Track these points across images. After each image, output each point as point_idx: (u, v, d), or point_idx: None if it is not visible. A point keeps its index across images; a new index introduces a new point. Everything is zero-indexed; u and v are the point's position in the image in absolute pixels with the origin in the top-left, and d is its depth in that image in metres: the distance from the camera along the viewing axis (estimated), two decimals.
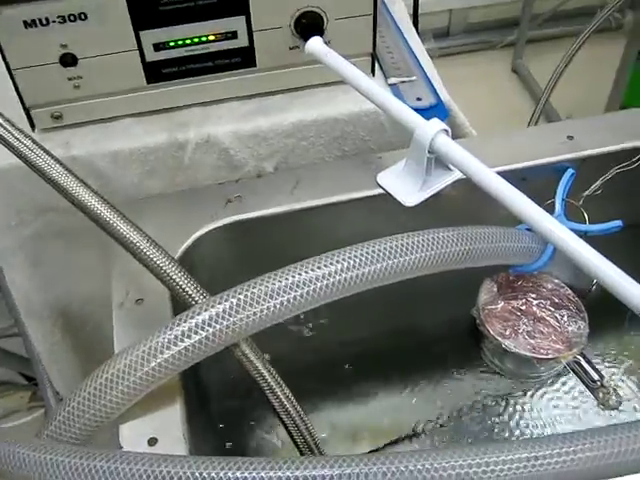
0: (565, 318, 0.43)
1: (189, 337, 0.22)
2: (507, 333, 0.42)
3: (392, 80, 0.38)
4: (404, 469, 0.18)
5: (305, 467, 0.18)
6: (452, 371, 0.44)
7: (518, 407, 0.42)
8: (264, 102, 0.35)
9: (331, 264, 0.24)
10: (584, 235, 0.31)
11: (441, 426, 0.42)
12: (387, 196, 0.35)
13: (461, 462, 0.19)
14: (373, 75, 0.37)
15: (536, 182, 0.37)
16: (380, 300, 0.34)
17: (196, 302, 0.24)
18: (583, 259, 0.27)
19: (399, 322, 0.44)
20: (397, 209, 0.34)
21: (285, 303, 0.23)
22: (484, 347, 0.44)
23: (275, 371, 0.27)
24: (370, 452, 0.37)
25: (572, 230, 0.27)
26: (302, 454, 0.28)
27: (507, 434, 0.43)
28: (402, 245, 0.26)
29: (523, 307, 0.44)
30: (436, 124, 0.31)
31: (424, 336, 0.44)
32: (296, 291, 0.23)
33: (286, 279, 0.23)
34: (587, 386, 0.41)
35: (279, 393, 0.26)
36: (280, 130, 0.35)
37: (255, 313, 0.23)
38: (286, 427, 0.27)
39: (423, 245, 0.27)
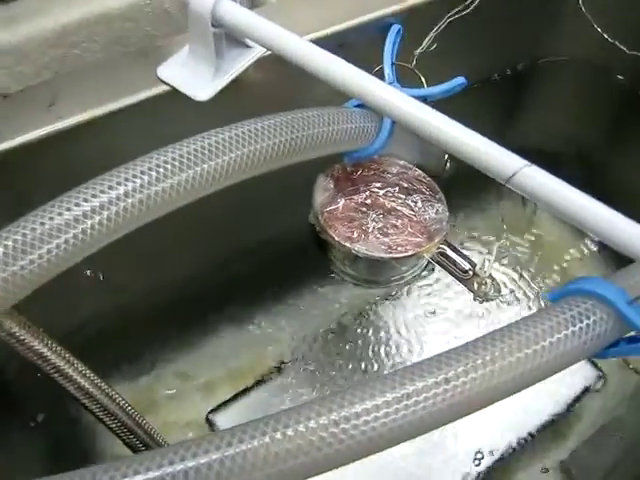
0: (419, 204, 0.46)
1: None
2: (355, 236, 0.44)
3: None
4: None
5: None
6: (304, 291, 0.49)
7: (388, 314, 0.49)
8: (14, 8, 0.33)
9: (133, 179, 0.24)
10: (425, 101, 0.32)
11: (304, 356, 0.45)
12: (175, 93, 0.35)
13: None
14: None
15: (357, 47, 0.39)
16: (206, 224, 0.39)
17: None
18: (431, 129, 0.30)
19: (233, 247, 0.48)
20: (191, 108, 0.35)
21: (73, 241, 0.23)
22: (332, 257, 0.46)
23: (62, 348, 0.28)
24: (229, 399, 0.41)
25: (411, 97, 0.29)
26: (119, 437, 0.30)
27: (382, 349, 0.47)
28: (215, 144, 0.27)
29: (368, 201, 0.46)
30: None
31: (264, 258, 0.49)
32: (85, 223, 0.23)
33: (70, 209, 0.23)
34: (458, 278, 0.44)
35: (72, 372, 0.28)
36: (41, 40, 0.34)
37: (33, 261, 0.22)
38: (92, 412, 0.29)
39: (239, 141, 0.28)
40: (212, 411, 0.44)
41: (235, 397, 0.44)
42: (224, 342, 0.47)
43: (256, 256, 0.48)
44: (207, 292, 0.48)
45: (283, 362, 0.47)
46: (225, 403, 0.42)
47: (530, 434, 0.42)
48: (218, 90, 0.35)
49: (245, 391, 0.43)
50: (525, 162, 0.29)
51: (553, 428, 0.43)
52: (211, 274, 0.47)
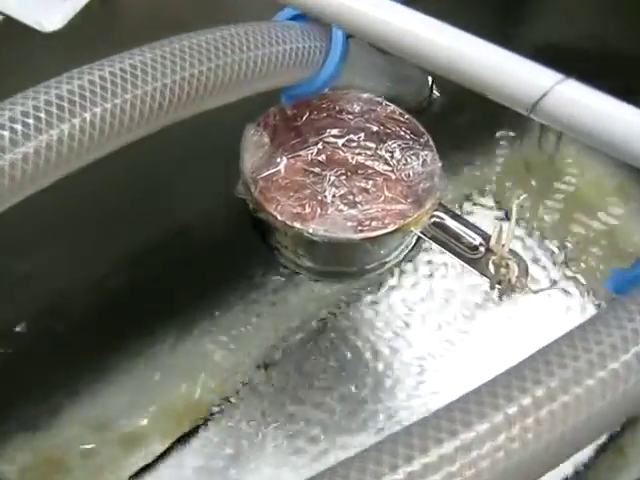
0: (398, 154, 0.46)
1: None
2: (308, 211, 0.43)
3: None
4: None
5: None
6: (243, 296, 0.48)
7: (364, 319, 0.48)
8: None
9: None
10: None
11: (256, 384, 0.45)
12: (11, 23, 0.35)
13: None
14: None
15: None
16: (101, 215, 0.42)
17: None
18: (409, 38, 0.30)
19: (136, 241, 0.48)
20: (37, 42, 0.36)
21: None
22: (277, 244, 0.46)
23: None
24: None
25: None
26: None
27: (359, 371, 0.47)
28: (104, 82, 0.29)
29: (322, 157, 0.45)
30: None
31: (180, 254, 0.48)
32: None
33: None
34: (465, 259, 0.44)
35: None
36: None
37: None
38: None
39: (116, 83, 0.29)
40: (135, 476, 0.44)
41: (168, 451, 0.44)
42: (147, 370, 0.47)
43: (165, 253, 0.48)
44: (116, 302, 0.48)
45: (228, 399, 0.46)
46: (154, 462, 0.44)
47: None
48: (72, 15, 0.36)
49: (180, 440, 0.44)
50: (558, 75, 0.29)
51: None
52: (117, 278, 0.48)
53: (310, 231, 0.42)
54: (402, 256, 0.48)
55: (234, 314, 0.49)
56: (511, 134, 0.56)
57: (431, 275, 0.50)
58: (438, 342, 0.48)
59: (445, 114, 0.52)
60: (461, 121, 0.53)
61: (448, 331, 0.48)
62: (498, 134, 0.56)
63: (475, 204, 0.54)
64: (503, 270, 0.44)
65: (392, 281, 0.50)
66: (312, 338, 0.48)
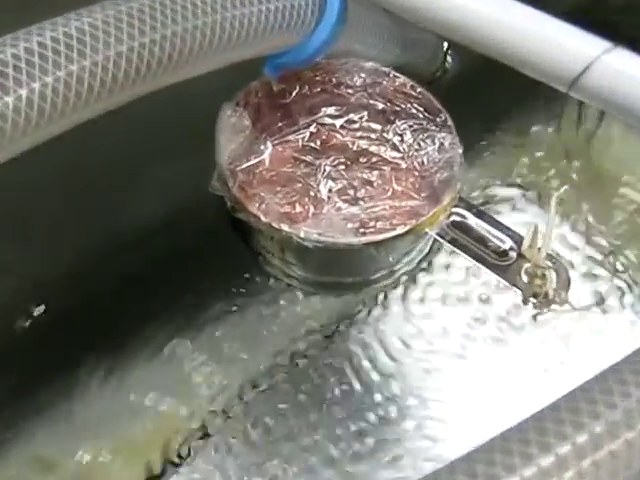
0: (409, 137, 0.46)
1: None
2: (298, 210, 0.43)
3: None
4: None
5: None
6: (223, 313, 0.48)
7: (366, 341, 0.48)
8: None
9: None
10: None
11: (232, 421, 0.46)
12: None
13: None
14: None
15: None
16: (47, 216, 0.43)
17: None
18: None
19: (94, 248, 0.48)
20: None
21: None
22: (262, 250, 0.45)
23: None
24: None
25: None
26: None
27: (360, 407, 0.46)
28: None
29: (316, 142, 0.45)
30: None
31: (147, 263, 0.48)
32: None
33: None
34: (492, 266, 0.43)
35: None
36: None
37: None
38: None
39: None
40: None
41: None
42: (104, 401, 0.47)
43: (119, 265, 0.48)
44: (65, 320, 0.48)
45: (204, 435, 0.46)
46: None
47: None
48: None
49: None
50: (605, 44, 0.29)
51: None
52: (65, 292, 0.48)
53: (301, 235, 0.41)
54: (414, 264, 0.47)
55: (208, 336, 0.49)
56: (548, 110, 0.56)
57: (450, 287, 0.49)
58: (457, 370, 0.47)
59: (465, 86, 0.53)
60: (484, 95, 0.54)
61: (469, 357, 0.47)
62: (531, 111, 0.56)
63: (504, 199, 0.53)
64: (538, 281, 0.43)
65: (402, 295, 0.49)
66: (303, 363, 0.48)
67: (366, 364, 0.48)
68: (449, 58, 0.53)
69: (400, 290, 0.49)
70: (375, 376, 0.47)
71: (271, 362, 0.48)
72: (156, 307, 0.49)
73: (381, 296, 0.49)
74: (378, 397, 0.46)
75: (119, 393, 0.47)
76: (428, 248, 0.48)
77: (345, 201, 0.44)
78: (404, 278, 0.48)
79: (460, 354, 0.47)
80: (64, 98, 0.28)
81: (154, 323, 0.48)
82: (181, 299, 0.49)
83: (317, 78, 0.46)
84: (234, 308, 0.49)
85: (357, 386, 0.47)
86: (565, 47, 0.31)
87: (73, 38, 0.29)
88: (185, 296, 0.49)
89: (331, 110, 0.47)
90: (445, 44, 0.52)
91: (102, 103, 0.31)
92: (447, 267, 0.50)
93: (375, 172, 0.45)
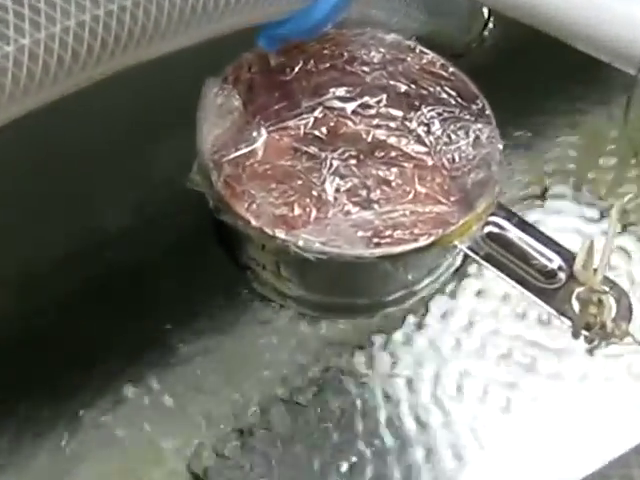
0: (437, 127, 0.45)
1: None
2: (297, 213, 0.43)
3: None
4: None
5: None
6: (209, 337, 0.48)
7: (379, 376, 0.47)
8: None
9: None
10: None
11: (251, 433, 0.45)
12: None
13: None
14: None
15: None
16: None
17: None
18: None
19: (46, 259, 0.49)
20: None
21: None
22: (253, 263, 0.45)
23: None
24: None
25: None
26: None
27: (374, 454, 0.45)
28: None
29: (322, 130, 0.45)
30: None
31: (122, 268, 0.49)
32: None
33: None
34: (535, 290, 0.43)
35: None
36: None
37: None
38: None
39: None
40: None
41: None
42: (63, 451, 0.46)
43: (78, 273, 0.49)
44: (23, 349, 0.48)
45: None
46: None
47: None
48: None
49: None
50: None
51: None
52: (19, 316, 0.49)
53: (300, 244, 0.40)
54: (439, 284, 0.46)
55: (181, 371, 0.48)
56: (608, 95, 0.56)
57: (482, 314, 0.48)
58: (488, 417, 0.46)
59: (504, 62, 0.53)
60: (527, 74, 0.54)
61: (504, 400, 0.46)
62: (586, 94, 0.56)
63: (551, 206, 0.53)
64: (594, 309, 0.42)
65: (423, 321, 0.48)
66: (302, 402, 0.47)
67: (377, 398, 0.47)
68: (489, 25, 0.53)
69: (421, 316, 0.49)
70: (388, 411, 0.47)
71: (259, 404, 0.47)
72: (113, 332, 0.48)
73: (397, 323, 0.48)
74: (383, 430, 0.46)
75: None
76: (457, 265, 0.47)
77: (356, 204, 0.43)
78: (426, 302, 0.48)
79: (504, 407, 0.47)
80: (13, 80, 0.29)
81: (111, 355, 0.48)
82: (148, 323, 0.49)
83: (325, 52, 0.46)
84: (214, 336, 0.49)
85: (367, 420, 0.46)
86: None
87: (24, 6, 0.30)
88: (153, 320, 0.49)
89: (341, 91, 0.46)
90: (485, 10, 0.52)
91: (60, 85, 0.31)
92: (480, 290, 0.49)
93: (394, 169, 0.45)
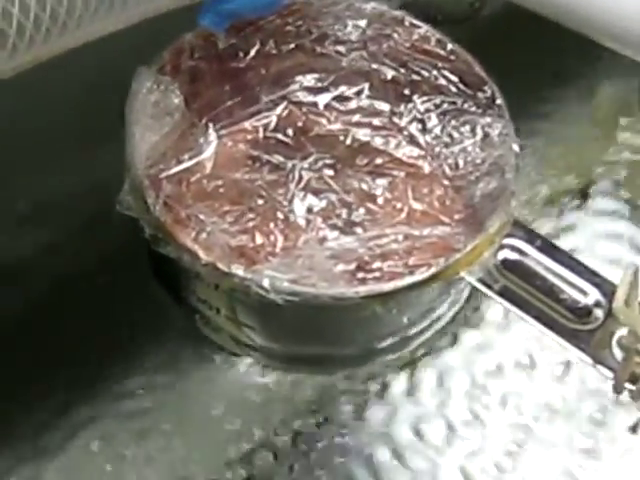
0: (434, 122, 0.47)
1: None
2: (259, 242, 0.44)
3: None
4: None
5: None
6: (150, 397, 0.49)
7: (366, 436, 0.48)
8: None
9: None
10: None
11: None
12: None
13: None
14: None
15: None
16: None
17: None
18: None
19: None
20: None
21: None
22: (202, 308, 0.46)
23: None
24: None
25: None
26: None
27: None
28: None
29: (289, 132, 0.46)
30: None
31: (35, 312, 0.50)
32: None
33: None
34: (566, 335, 0.44)
35: None
36: None
37: None
38: None
39: None
40: None
41: None
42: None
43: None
44: None
45: None
46: None
47: None
48: None
49: None
50: None
51: None
52: None
53: (264, 283, 0.41)
54: (440, 327, 0.48)
55: (111, 437, 0.49)
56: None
57: (495, 366, 0.50)
58: None
59: (510, 32, 0.55)
60: (541, 45, 0.56)
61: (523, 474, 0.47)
62: (618, 75, 0.58)
63: (582, 219, 0.54)
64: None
65: (420, 377, 0.50)
66: (267, 470, 0.48)
67: (360, 468, 0.49)
68: None
69: (418, 370, 0.50)
70: None
71: (221, 465, 0.48)
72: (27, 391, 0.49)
73: (388, 378, 0.49)
74: None
75: None
76: (463, 302, 0.48)
77: (334, 227, 0.44)
78: (424, 350, 0.49)
79: (500, 465, 0.48)
80: None
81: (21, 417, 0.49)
82: (67, 379, 0.49)
83: (289, 28, 0.47)
84: (153, 397, 0.50)
85: None
86: None
87: None
88: (75, 374, 0.49)
89: (310, 80, 0.48)
90: None
91: None
92: (495, 332, 0.51)
93: (381, 181, 0.46)
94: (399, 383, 0.50)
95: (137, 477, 0.48)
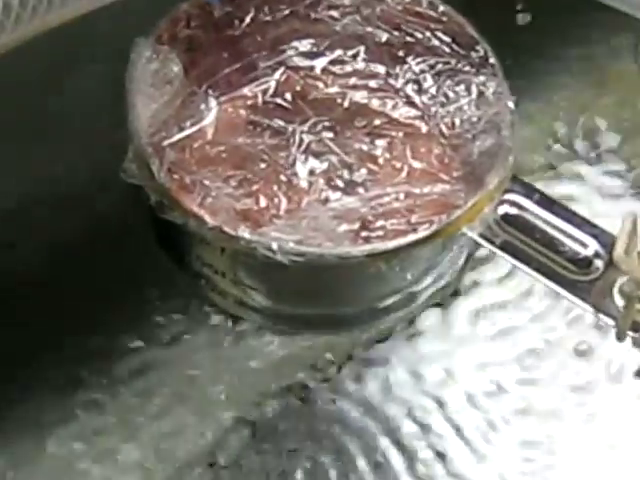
0: (430, 83, 0.47)
1: None
2: (262, 205, 0.43)
3: None
4: None
5: None
6: (155, 359, 0.49)
7: (371, 397, 0.48)
8: None
9: None
10: None
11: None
12: None
13: None
14: None
15: None
16: None
17: None
18: None
19: None
20: None
21: None
22: (207, 271, 0.46)
23: None
24: None
25: None
26: None
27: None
28: None
29: (288, 97, 0.46)
30: None
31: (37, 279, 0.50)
32: None
33: None
34: (566, 286, 0.44)
35: None
36: None
37: None
38: None
39: None
40: None
41: None
42: None
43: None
44: None
45: None
46: None
47: None
48: None
49: None
50: None
51: None
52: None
53: (271, 245, 0.41)
54: (445, 283, 0.48)
55: (128, 393, 0.49)
56: None
57: (498, 319, 0.50)
58: (506, 453, 0.47)
59: None
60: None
61: (527, 432, 0.48)
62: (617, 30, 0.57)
63: (579, 174, 0.55)
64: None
65: (425, 332, 0.50)
66: (270, 432, 0.48)
67: (366, 429, 0.48)
68: None
69: (422, 324, 0.50)
70: (377, 447, 0.48)
71: (220, 437, 0.48)
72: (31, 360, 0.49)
73: (388, 335, 0.50)
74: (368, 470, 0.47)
75: None
76: (465, 258, 0.48)
77: (336, 188, 0.44)
78: (429, 306, 0.49)
79: (505, 421, 0.48)
80: None
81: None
82: (73, 346, 0.49)
83: None
84: (158, 360, 0.50)
85: (347, 456, 0.48)
86: None
87: None
88: (80, 342, 0.49)
89: (306, 45, 0.47)
90: None
91: None
92: (496, 286, 0.51)
93: (380, 141, 0.45)
94: (404, 342, 0.51)
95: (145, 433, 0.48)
